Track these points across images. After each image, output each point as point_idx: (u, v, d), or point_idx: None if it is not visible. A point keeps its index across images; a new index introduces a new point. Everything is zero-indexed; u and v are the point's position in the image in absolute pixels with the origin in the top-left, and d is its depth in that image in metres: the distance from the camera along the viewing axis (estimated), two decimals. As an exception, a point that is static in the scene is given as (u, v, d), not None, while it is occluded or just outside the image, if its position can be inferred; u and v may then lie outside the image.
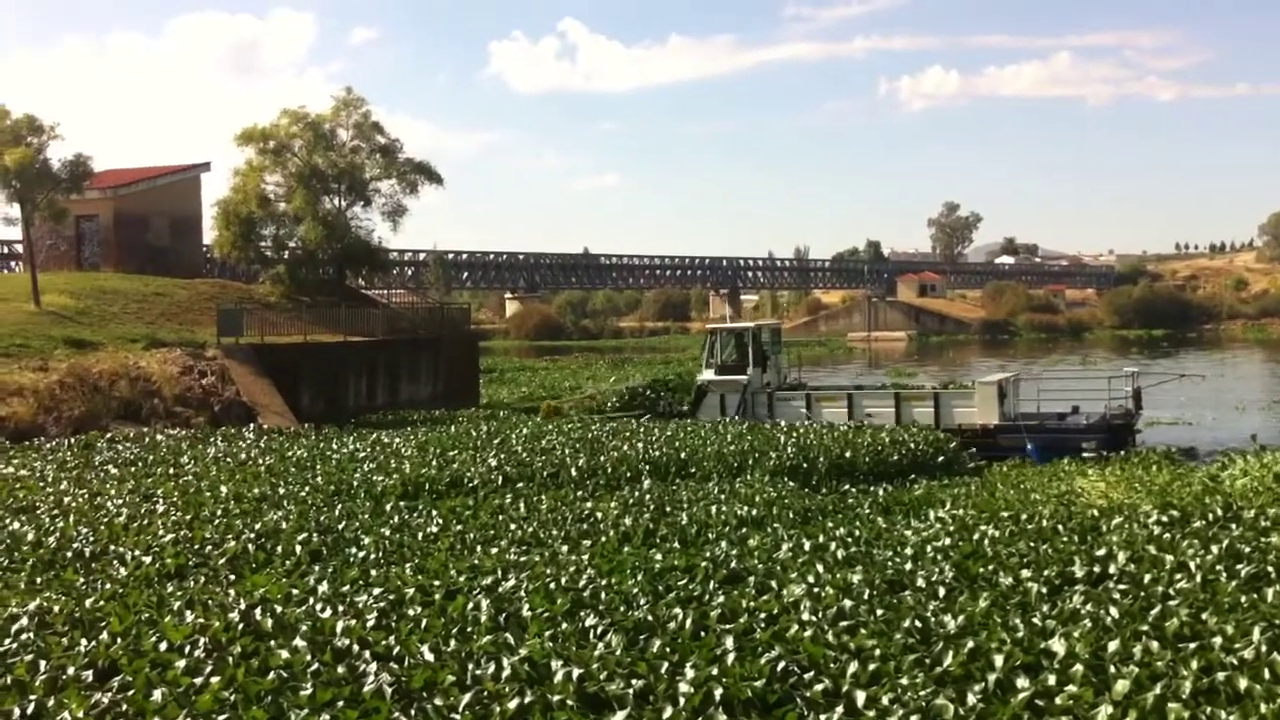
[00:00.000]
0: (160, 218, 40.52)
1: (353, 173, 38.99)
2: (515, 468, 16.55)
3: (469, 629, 7.56)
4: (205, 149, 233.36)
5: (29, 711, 6.12)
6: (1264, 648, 6.37)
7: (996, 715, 5.74)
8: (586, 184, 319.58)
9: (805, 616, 7.60)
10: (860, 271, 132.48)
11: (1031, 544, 10.08)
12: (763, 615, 7.71)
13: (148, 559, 10.74)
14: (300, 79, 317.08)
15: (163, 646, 7.21)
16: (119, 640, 7.42)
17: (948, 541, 10.41)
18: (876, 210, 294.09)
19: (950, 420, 25.02)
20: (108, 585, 9.70)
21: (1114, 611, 7.44)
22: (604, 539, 11.31)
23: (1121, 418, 24.78)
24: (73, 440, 21.18)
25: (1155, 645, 6.62)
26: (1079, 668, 6.21)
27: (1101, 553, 9.32)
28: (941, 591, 8.43)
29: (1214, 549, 9.14)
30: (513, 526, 12.19)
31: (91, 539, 11.70)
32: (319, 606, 8.31)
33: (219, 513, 13.11)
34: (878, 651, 6.71)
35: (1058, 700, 5.85)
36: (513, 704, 5.91)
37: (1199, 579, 8.29)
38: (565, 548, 10.81)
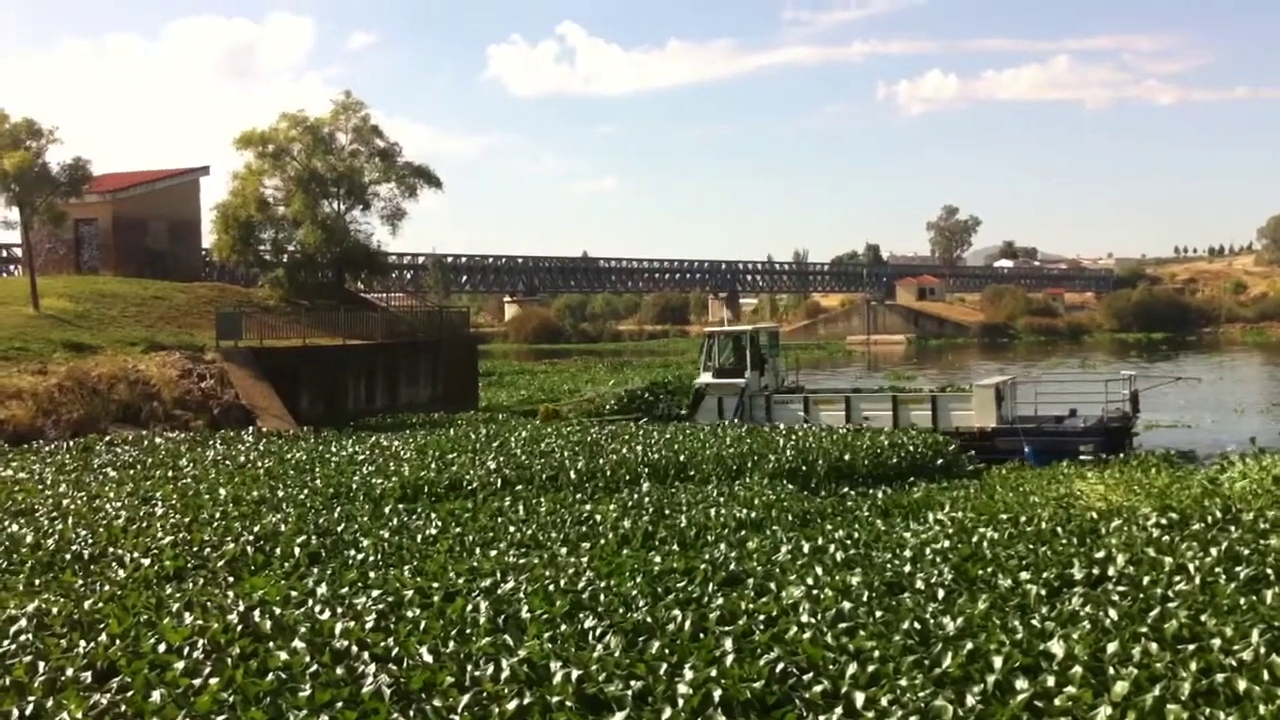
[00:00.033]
0: (159, 221, 40.53)
1: (352, 176, 39.01)
2: (514, 470, 16.55)
3: (468, 630, 7.55)
4: (204, 153, 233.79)
5: (28, 712, 6.11)
6: (1263, 649, 6.37)
7: (995, 717, 5.73)
8: (585, 187, 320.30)
9: (804, 618, 7.60)
10: (859, 275, 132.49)
11: (1030, 546, 10.08)
12: (762, 617, 7.70)
13: (146, 561, 10.74)
14: (298, 83, 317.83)
15: (161, 648, 7.21)
16: (118, 642, 7.41)
17: (947, 544, 10.41)
18: (875, 214, 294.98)
19: (947, 423, 25.03)
20: (106, 587, 9.69)
21: (1113, 613, 7.44)
22: (603, 541, 11.30)
23: (1119, 421, 24.79)
24: (71, 443, 21.18)
25: (1154, 647, 6.62)
26: (1078, 669, 6.21)
27: (1100, 555, 9.32)
28: (940, 593, 8.43)
29: (1213, 551, 9.14)
30: (512, 529, 12.19)
31: (90, 541, 11.70)
32: (318, 608, 8.31)
33: (218, 515, 13.11)
34: (877, 653, 6.71)
35: (1057, 702, 5.85)
36: (511, 705, 5.91)
37: (1198, 581, 8.29)
38: (564, 550, 10.81)
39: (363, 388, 32.17)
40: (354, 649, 7.10)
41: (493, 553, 10.78)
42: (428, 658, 6.78)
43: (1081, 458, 21.82)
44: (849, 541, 10.89)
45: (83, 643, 7.43)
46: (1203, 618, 7.18)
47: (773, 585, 8.77)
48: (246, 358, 28.81)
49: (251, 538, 11.65)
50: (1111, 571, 8.85)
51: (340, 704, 6.01)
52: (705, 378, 29.27)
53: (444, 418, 29.36)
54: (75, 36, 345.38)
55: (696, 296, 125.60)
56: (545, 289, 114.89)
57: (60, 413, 23.43)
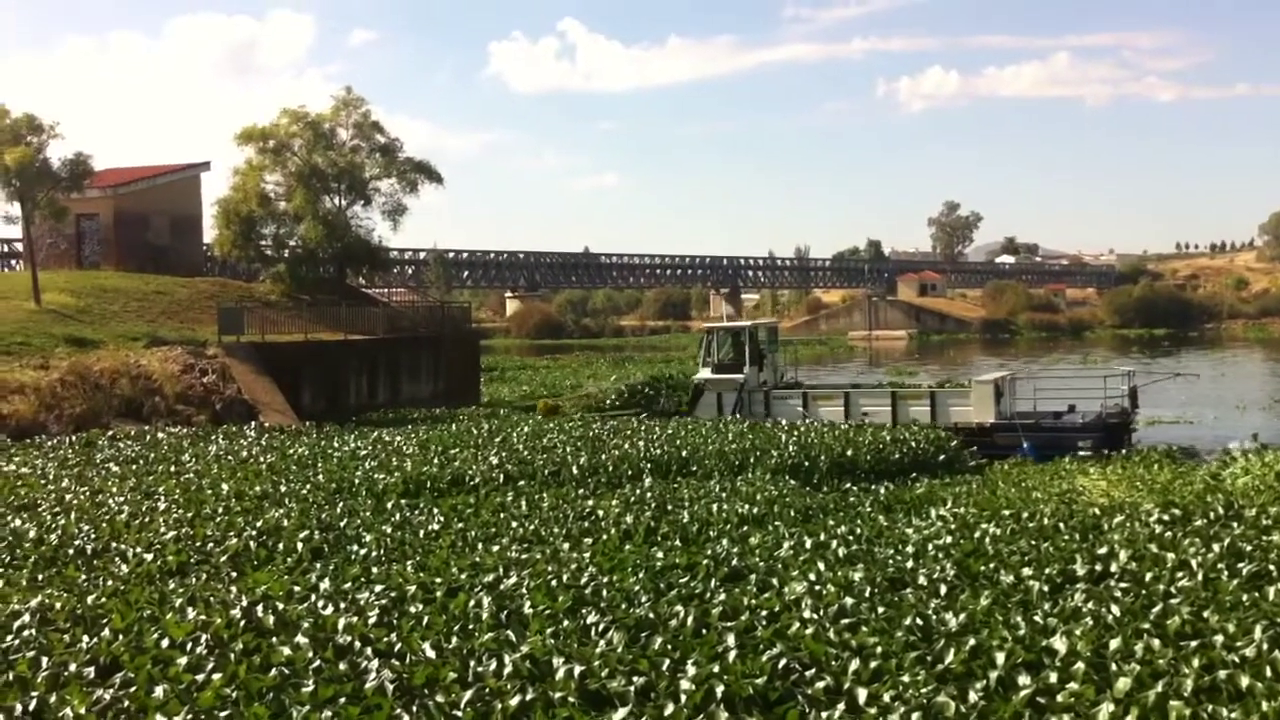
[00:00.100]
0: (160, 216, 40.52)
1: (353, 172, 38.98)
2: (516, 466, 16.56)
3: (470, 626, 7.56)
4: (205, 149, 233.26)
5: (31, 708, 6.12)
6: (1265, 646, 6.38)
7: (998, 713, 5.74)
8: (586, 184, 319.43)
9: (806, 614, 7.60)
10: (861, 271, 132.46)
11: (1033, 542, 10.09)
12: (764, 613, 7.71)
13: (149, 556, 10.75)
14: (299, 80, 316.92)
15: (164, 643, 7.22)
16: (121, 637, 7.42)
17: (949, 539, 10.42)
18: (877, 210, 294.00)
19: (946, 419, 25.07)
20: (109, 582, 9.70)
21: (1115, 609, 7.44)
22: (605, 537, 11.31)
23: (1118, 416, 24.78)
24: (74, 438, 21.19)
25: (1157, 643, 6.62)
26: (1080, 665, 6.21)
27: (1103, 551, 9.33)
28: (943, 589, 8.44)
29: (1215, 547, 9.14)
30: (514, 524, 12.19)
31: (93, 536, 11.71)
32: (321, 604, 8.32)
33: (220, 510, 13.12)
34: (879, 649, 6.71)
35: (1059, 698, 5.85)
36: (514, 701, 5.91)
37: (1200, 577, 8.30)
38: (567, 545, 10.82)
39: (365, 383, 32.18)
40: (357, 644, 7.11)
41: (495, 548, 10.78)
42: (430, 653, 6.79)
43: (1080, 453, 21.83)
44: (851, 537, 10.90)
45: (86, 638, 7.44)
46: (1205, 614, 7.19)
47: (775, 581, 8.77)
48: (248, 353, 28.81)
49: (254, 533, 11.66)
50: (1114, 567, 8.86)
51: (343, 699, 6.02)
52: (704, 373, 29.32)
53: (446, 413, 29.37)
54: (77, 34, 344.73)
55: (698, 292, 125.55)
56: (547, 284, 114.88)
57: (62, 408, 23.45)
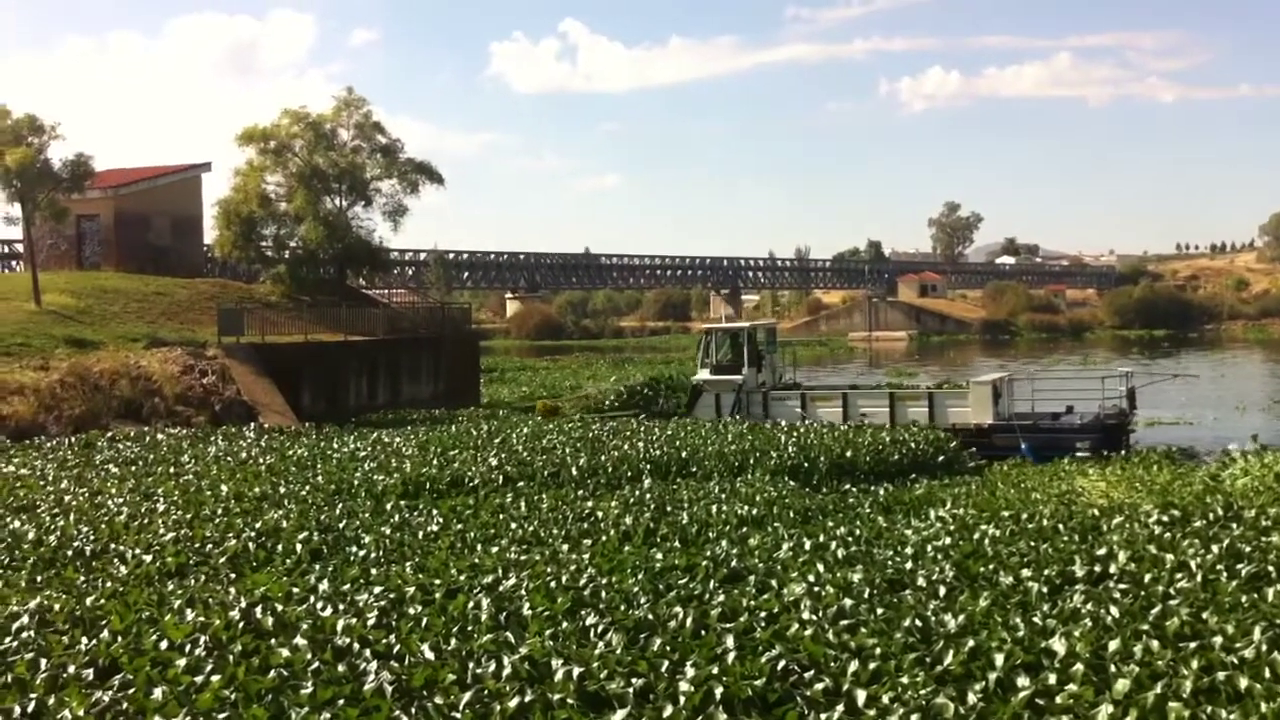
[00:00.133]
0: (161, 217, 40.52)
1: (353, 172, 38.98)
2: (516, 467, 16.55)
3: (469, 628, 7.56)
4: (205, 149, 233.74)
5: (30, 709, 6.12)
6: (1264, 647, 6.37)
7: (997, 714, 5.74)
8: (587, 184, 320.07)
9: (806, 615, 7.60)
10: (861, 271, 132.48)
11: (1032, 543, 10.09)
12: (763, 614, 7.71)
13: (148, 557, 10.74)
14: (300, 80, 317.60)
15: (163, 645, 7.22)
16: (120, 638, 7.42)
17: (948, 541, 10.41)
18: (877, 210, 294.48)
19: (944, 420, 25.06)
20: (108, 584, 9.70)
21: (1114, 611, 7.44)
22: (604, 538, 11.31)
23: (1116, 417, 24.77)
24: (73, 439, 21.18)
25: (1156, 644, 6.62)
26: (1079, 667, 6.21)
27: (1102, 552, 9.32)
28: (942, 591, 8.43)
29: (1215, 548, 9.14)
30: (513, 525, 12.19)
31: (92, 537, 11.71)
32: (319, 605, 8.31)
33: (219, 511, 13.12)
34: (878, 650, 6.71)
35: (1058, 699, 5.85)
36: (513, 703, 5.91)
37: (1199, 578, 8.29)
38: (566, 547, 10.82)
39: (364, 384, 32.18)
40: (356, 646, 7.11)
41: (494, 549, 10.78)
42: (429, 655, 6.78)
43: (1078, 454, 21.82)
44: (850, 538, 10.90)
45: (85, 639, 7.44)
46: (1204, 615, 7.19)
47: (774, 582, 8.77)
48: (248, 354, 28.81)
49: (253, 534, 11.65)
50: (1113, 569, 8.85)
51: (342, 701, 6.02)
52: (703, 374, 29.31)
53: (445, 414, 29.37)
54: (77, 34, 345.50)
55: (698, 293, 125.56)
56: (547, 285, 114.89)
57: (62, 409, 23.44)
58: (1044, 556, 9.44)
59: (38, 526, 12.35)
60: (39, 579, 10.20)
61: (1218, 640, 6.60)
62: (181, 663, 6.74)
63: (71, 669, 6.79)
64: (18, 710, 6.11)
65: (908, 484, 17.44)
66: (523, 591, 8.52)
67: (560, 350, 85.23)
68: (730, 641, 6.87)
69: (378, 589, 8.76)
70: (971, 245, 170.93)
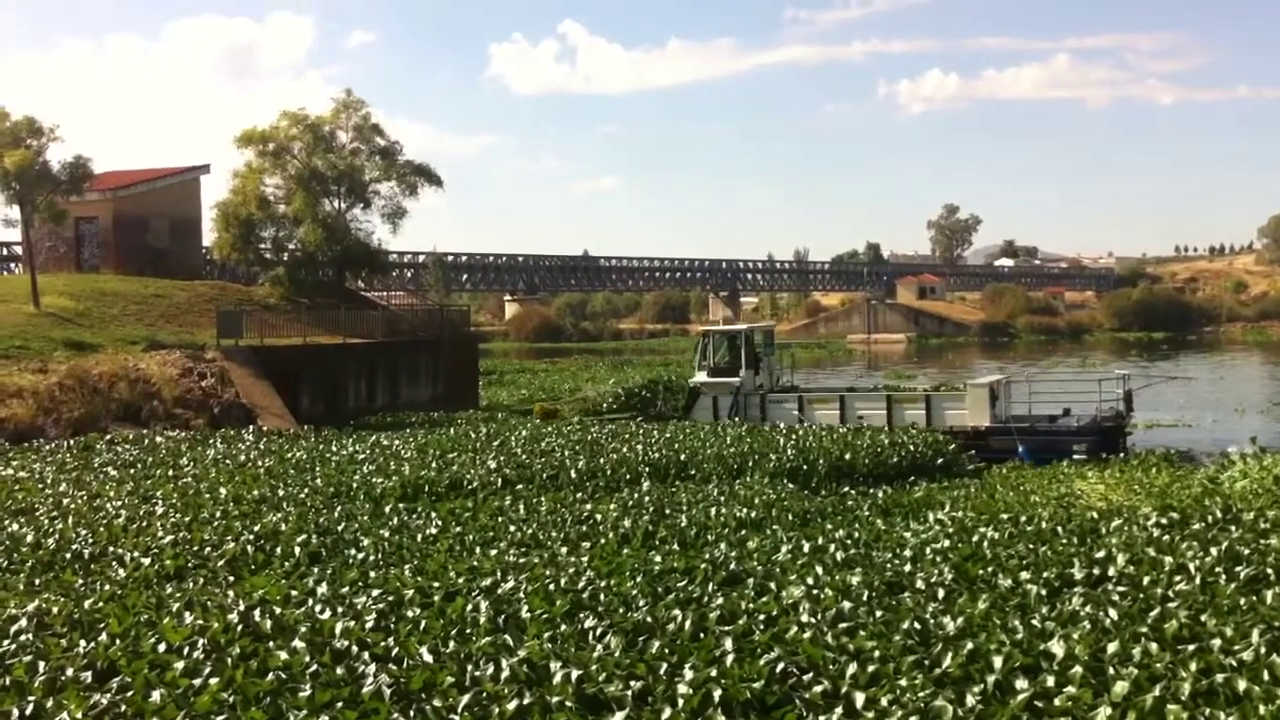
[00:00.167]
0: (160, 219, 40.54)
1: (352, 175, 39.03)
2: (515, 470, 16.55)
3: (468, 630, 7.55)
4: (204, 152, 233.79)
5: (28, 712, 6.11)
6: (1263, 650, 6.37)
7: (995, 717, 5.73)
8: (586, 186, 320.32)
9: (804, 618, 7.59)
10: (860, 274, 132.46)
11: (1031, 546, 10.08)
12: (762, 617, 7.70)
13: (147, 560, 10.74)
14: (299, 82, 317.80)
15: (161, 648, 7.21)
16: (118, 641, 7.41)
17: (947, 543, 10.41)
18: (876, 213, 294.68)
19: (941, 422, 25.04)
20: (107, 586, 9.69)
21: (1113, 613, 7.44)
22: (603, 541, 11.30)
23: (1112, 420, 24.78)
24: (72, 442, 21.18)
25: (1154, 647, 6.61)
26: (1078, 669, 6.21)
27: (1101, 554, 9.32)
28: (941, 593, 8.43)
29: (1213, 551, 9.13)
30: (512, 528, 12.18)
31: (90, 540, 11.70)
32: (318, 608, 8.30)
33: (218, 514, 13.11)
34: (877, 653, 6.70)
35: (1057, 702, 5.85)
36: (511, 705, 5.90)
37: (1198, 581, 8.29)
38: (564, 549, 10.81)
39: (363, 386, 32.18)
40: (354, 649, 7.10)
41: (493, 552, 10.77)
42: (428, 657, 6.78)
43: (1075, 457, 21.82)
44: (849, 541, 10.89)
45: (83, 642, 7.43)
46: (1203, 618, 7.18)
47: (773, 585, 8.77)
48: (247, 356, 28.81)
49: (252, 537, 11.65)
50: (1112, 571, 8.85)
51: (340, 704, 6.01)
52: (700, 377, 29.30)
53: (444, 417, 29.37)
54: (75, 36, 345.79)
55: (697, 295, 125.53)
56: (546, 288, 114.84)
57: (61, 411, 23.44)
58: (1043, 559, 9.44)
59: (36, 529, 12.34)
60: (37, 581, 10.20)
61: (1216, 643, 6.59)
62: (180, 665, 6.73)
63: (70, 671, 6.78)
64: (16, 713, 6.10)
65: (906, 486, 17.42)
66: (521, 594, 8.51)
67: (559, 353, 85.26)
68: (729, 644, 6.86)
69: (376, 591, 8.75)
70: (970, 247, 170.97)
